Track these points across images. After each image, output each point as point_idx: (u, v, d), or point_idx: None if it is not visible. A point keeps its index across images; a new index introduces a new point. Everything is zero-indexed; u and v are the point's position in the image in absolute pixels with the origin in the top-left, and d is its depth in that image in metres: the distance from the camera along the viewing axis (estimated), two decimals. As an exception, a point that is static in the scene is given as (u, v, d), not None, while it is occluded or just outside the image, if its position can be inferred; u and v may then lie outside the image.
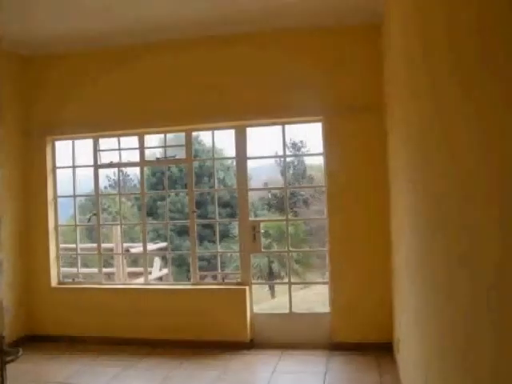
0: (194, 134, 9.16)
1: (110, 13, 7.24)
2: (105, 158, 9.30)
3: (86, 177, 9.52)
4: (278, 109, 8.10)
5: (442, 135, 3.06)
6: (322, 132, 8.21)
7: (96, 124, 8.78)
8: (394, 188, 6.73)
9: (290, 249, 8.99)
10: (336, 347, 7.92)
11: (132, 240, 19.39)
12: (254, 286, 8.64)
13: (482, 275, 2.16)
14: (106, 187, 25.28)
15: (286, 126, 8.41)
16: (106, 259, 17.71)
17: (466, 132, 2.42)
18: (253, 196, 27.20)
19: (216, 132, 8.90)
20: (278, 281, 22.81)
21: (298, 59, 8.05)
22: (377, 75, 7.74)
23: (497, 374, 2.00)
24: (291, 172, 27.73)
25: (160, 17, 7.49)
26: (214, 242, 11.25)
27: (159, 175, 22.64)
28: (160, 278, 13.90)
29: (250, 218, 8.82)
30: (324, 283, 9.10)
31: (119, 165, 9.48)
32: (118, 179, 9.74)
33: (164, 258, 14.66)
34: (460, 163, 2.57)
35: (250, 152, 8.55)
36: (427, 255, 3.83)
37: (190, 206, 8.88)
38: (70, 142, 9.31)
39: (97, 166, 9.14)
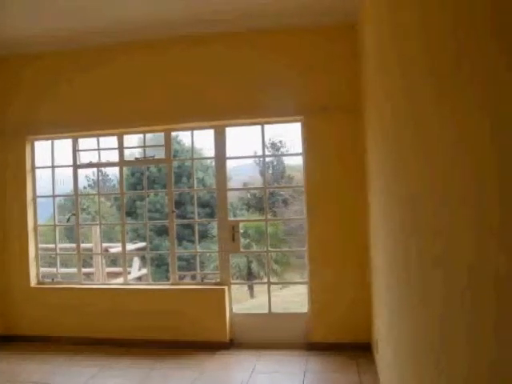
0: (174, 134, 9.14)
1: (86, 12, 7.23)
2: (84, 157, 9.30)
3: (65, 177, 9.51)
4: (257, 109, 8.15)
5: (416, 137, 3.09)
6: (301, 132, 8.25)
7: (75, 124, 8.76)
8: (371, 189, 6.78)
9: (269, 249, 9.01)
10: (315, 347, 7.96)
11: (111, 240, 19.36)
12: (233, 286, 8.67)
13: (457, 277, 2.19)
14: (85, 187, 25.23)
15: (266, 126, 8.43)
16: (85, 259, 17.67)
17: (440, 134, 2.45)
18: (232, 196, 27.24)
19: (195, 132, 8.90)
20: (257, 281, 22.86)
21: (277, 59, 8.08)
22: (353, 75, 7.80)
23: (470, 375, 2.04)
24: (270, 172, 27.76)
25: (135, 17, 7.49)
26: (193, 242, 11.28)
27: (138, 175, 22.60)
28: (139, 278, 13.90)
29: (230, 218, 8.84)
30: (303, 283, 9.12)
31: (98, 165, 9.46)
32: (98, 179, 9.74)
33: (143, 258, 14.65)
34: (434, 165, 2.60)
35: (229, 152, 8.57)
36: (402, 256, 3.86)
37: (169, 206, 8.88)
38: (50, 141, 9.29)
39: (76, 166, 9.12)
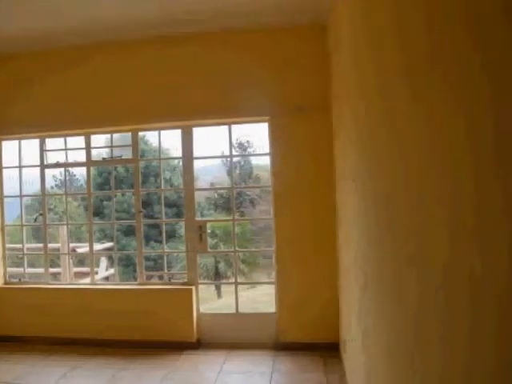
0: (141, 134, 9.14)
1: (59, 13, 7.18)
2: (51, 157, 9.27)
3: (32, 177, 9.48)
4: (225, 109, 8.15)
5: (391, 135, 3.06)
6: (269, 132, 8.27)
7: (42, 124, 8.72)
8: (341, 188, 6.78)
9: (237, 249, 9.04)
10: (282, 347, 8.00)
11: (78, 240, 19.28)
12: (200, 286, 8.69)
13: (431, 276, 2.20)
14: (52, 187, 25.05)
15: (233, 126, 8.45)
16: (53, 259, 17.57)
17: (415, 133, 2.46)
18: (199, 196, 27.19)
19: (162, 132, 8.91)
20: (224, 281, 22.83)
21: (245, 59, 8.11)
22: (324, 75, 7.84)
23: (444, 374, 2.06)
24: (238, 172, 27.75)
25: (108, 17, 7.45)
26: (160, 241, 11.26)
27: (106, 175, 22.54)
28: (106, 278, 13.87)
29: (197, 218, 8.85)
30: (270, 283, 9.16)
31: (66, 165, 9.42)
32: (65, 179, 9.72)
33: (110, 258, 14.61)
34: (409, 164, 2.62)
35: (196, 152, 8.59)
36: (376, 256, 3.86)
37: (136, 206, 8.87)
38: (17, 142, 9.25)
39: (43, 166, 9.09)
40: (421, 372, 2.48)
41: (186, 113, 8.28)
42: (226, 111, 8.19)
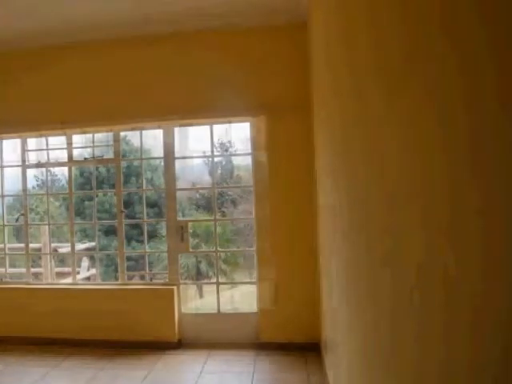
0: (122, 134, 9.14)
1: (35, 12, 7.18)
2: (33, 157, 9.27)
3: (13, 176, 9.46)
4: (205, 109, 8.17)
5: (365, 136, 3.06)
6: (250, 132, 8.31)
7: (23, 123, 8.72)
8: (320, 188, 6.80)
9: (218, 249, 9.06)
10: (264, 347, 8.03)
11: (60, 240, 19.20)
12: (182, 286, 8.71)
13: (405, 275, 2.20)
14: (34, 187, 24.94)
15: (215, 126, 8.48)
16: (35, 259, 17.49)
17: (389, 133, 2.47)
18: (181, 196, 27.12)
19: (144, 132, 8.91)
20: (205, 281, 22.79)
21: (225, 59, 8.13)
22: (304, 74, 7.87)
23: (420, 374, 2.07)
24: (219, 172, 27.73)
25: (83, 16, 7.46)
26: (141, 241, 11.29)
27: (87, 175, 22.42)
28: (88, 278, 13.86)
29: (178, 218, 8.87)
30: (251, 283, 9.18)
31: (47, 165, 9.40)
32: (46, 179, 9.69)
33: (92, 258, 14.59)
34: (382, 164, 2.62)
35: (178, 152, 8.61)
36: (351, 255, 3.84)
37: (117, 206, 8.88)
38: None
39: (25, 166, 9.09)
40: (396, 372, 2.49)
41: (166, 113, 8.29)
42: (205, 111, 8.21)
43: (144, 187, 9.53)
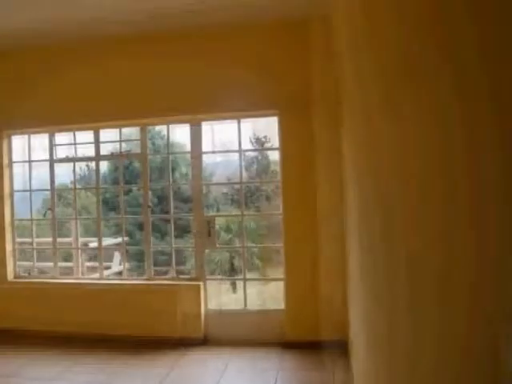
0: (157, 128, 9.18)
1: (63, 3, 7.20)
2: (63, 152, 9.32)
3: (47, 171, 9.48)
4: (232, 103, 8.14)
5: (367, 137, 3.05)
6: (278, 126, 8.26)
7: (51, 118, 8.77)
8: (347, 184, 6.71)
9: (248, 244, 9.02)
10: (290, 345, 7.93)
11: (94, 235, 19.34)
12: (213, 282, 8.67)
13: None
14: (71, 182, 25.13)
15: (250, 122, 8.44)
16: (70, 253, 17.61)
17: (386, 135, 2.45)
18: (216, 191, 27.14)
19: (178, 127, 8.92)
20: (234, 277, 22.74)
21: (249, 53, 8.13)
22: (328, 69, 7.75)
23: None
24: (255, 167, 27.69)
25: (111, 12, 7.49)
26: (176, 236, 11.30)
27: (121, 170, 22.58)
28: (120, 273, 13.90)
29: (205, 214, 8.83)
30: (280, 280, 9.09)
31: (74, 159, 9.44)
32: (74, 173, 9.70)
33: (127, 252, 14.67)
34: (385, 164, 2.59)
35: (209, 147, 8.59)
36: (373, 254, 3.78)
37: (145, 201, 8.89)
38: (26, 136, 9.30)
39: (52, 161, 9.12)
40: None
41: (193, 107, 8.27)
42: (232, 105, 8.17)
43: (176, 182, 9.53)
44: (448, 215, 1.57)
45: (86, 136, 9.30)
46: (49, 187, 9.22)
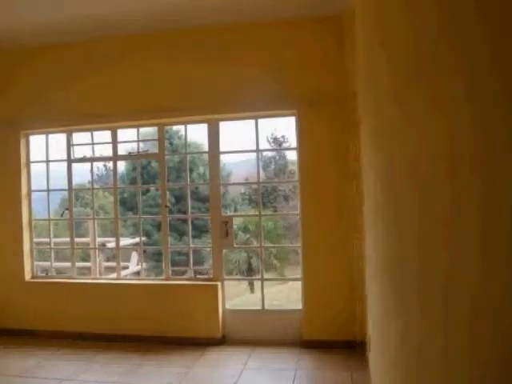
0: (175, 128, 9.17)
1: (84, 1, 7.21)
2: (80, 152, 9.33)
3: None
4: (248, 102, 8.12)
5: (382, 137, 3.06)
6: (295, 126, 8.21)
7: (69, 118, 8.76)
8: (367, 183, 6.67)
9: (265, 244, 9.00)
10: (307, 344, 7.90)
11: (112, 234, 19.40)
12: (233, 282, 8.65)
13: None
14: (89, 181, 25.25)
15: (267, 122, 8.42)
16: (87, 253, 17.69)
17: (397, 134, 2.45)
18: (234, 191, 27.20)
19: (196, 127, 8.93)
20: (252, 277, 22.76)
21: (266, 52, 8.07)
22: (344, 67, 7.69)
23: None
24: (272, 167, 27.73)
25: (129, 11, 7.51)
26: (193, 236, 11.28)
27: (139, 170, 22.64)
28: (137, 273, 13.92)
29: (223, 214, 8.81)
30: (297, 280, 9.06)
31: (92, 159, 9.45)
32: (91, 173, 9.69)
33: (144, 252, 14.68)
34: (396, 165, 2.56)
35: (226, 147, 8.56)
36: (391, 254, 3.76)
37: (162, 201, 8.89)
38: (44, 136, 9.31)
39: (70, 161, 9.12)
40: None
41: (210, 107, 8.23)
42: (249, 104, 8.15)
43: (194, 182, 9.54)
44: (457, 214, 1.56)
45: (103, 136, 9.30)
46: (66, 187, 9.17)
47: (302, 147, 8.07)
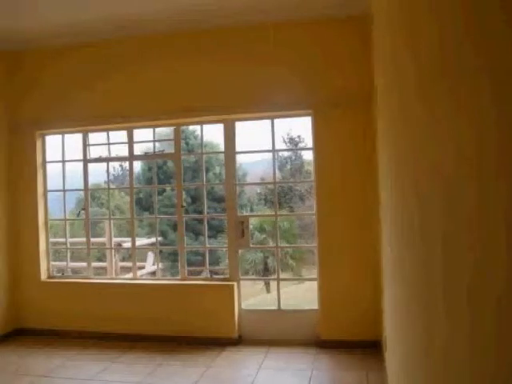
0: (191, 128, 9.16)
1: (104, 2, 7.22)
2: (95, 152, 9.34)
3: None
4: (266, 102, 8.09)
5: (407, 138, 3.06)
6: (311, 127, 8.17)
7: (85, 118, 8.78)
8: (383, 183, 6.65)
9: (282, 244, 8.98)
10: (323, 344, 7.88)
11: (128, 234, 19.45)
12: (249, 282, 8.64)
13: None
14: (105, 181, 25.36)
15: (283, 122, 8.40)
16: (103, 253, 17.73)
17: (421, 134, 2.43)
18: (250, 191, 27.20)
19: (213, 127, 8.93)
20: (268, 277, 22.77)
21: (284, 52, 8.03)
22: (365, 69, 7.63)
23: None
24: (289, 167, 27.70)
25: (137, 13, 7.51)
26: (209, 236, 11.27)
27: (155, 170, 22.70)
28: (153, 273, 13.94)
29: (239, 213, 8.79)
30: (313, 279, 9.03)
31: (108, 159, 9.45)
32: (107, 173, 9.72)
33: (161, 252, 14.68)
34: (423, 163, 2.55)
35: (242, 146, 8.54)
36: (410, 254, 3.75)
37: (178, 201, 8.88)
38: (64, 137, 9.32)
39: (86, 161, 9.12)
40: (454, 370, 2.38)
41: (227, 107, 8.21)
42: (266, 104, 8.12)
43: (210, 182, 9.52)
44: (482, 216, 1.55)
45: (119, 136, 9.31)
46: (82, 187, 9.18)
47: (318, 147, 8.04)
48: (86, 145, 9.09)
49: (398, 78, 3.52)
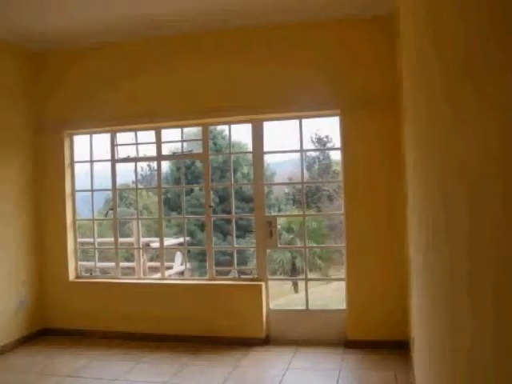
0: (219, 128, 9.16)
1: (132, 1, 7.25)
2: (123, 152, 9.36)
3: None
4: (293, 102, 8.06)
5: (433, 137, 3.04)
6: (339, 126, 8.13)
7: (113, 118, 8.80)
8: (410, 184, 6.62)
9: (309, 244, 8.95)
10: (351, 345, 7.85)
11: (156, 234, 19.50)
12: (275, 282, 8.61)
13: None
14: (133, 181, 25.43)
15: (311, 122, 8.37)
16: (131, 253, 17.78)
17: (447, 132, 2.41)
18: (278, 191, 27.18)
19: (241, 127, 8.92)
20: (296, 277, 22.73)
21: (311, 52, 8.00)
22: (393, 68, 7.59)
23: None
24: (316, 167, 27.65)
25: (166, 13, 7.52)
26: (237, 236, 11.26)
27: (184, 170, 22.78)
28: (182, 273, 13.96)
29: (267, 214, 8.78)
30: (341, 280, 9.01)
31: (136, 159, 9.47)
32: (135, 173, 9.72)
33: (188, 252, 14.70)
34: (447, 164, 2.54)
35: (270, 146, 8.53)
36: (437, 254, 3.72)
37: (206, 201, 8.87)
38: (88, 136, 9.36)
39: (114, 161, 9.16)
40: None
41: (254, 107, 8.19)
42: (294, 104, 8.09)
43: (238, 182, 9.52)
44: (508, 215, 1.52)
45: (147, 135, 9.32)
46: (110, 187, 9.21)
47: (346, 147, 8.01)
48: (114, 145, 9.11)
49: (424, 76, 3.50)
